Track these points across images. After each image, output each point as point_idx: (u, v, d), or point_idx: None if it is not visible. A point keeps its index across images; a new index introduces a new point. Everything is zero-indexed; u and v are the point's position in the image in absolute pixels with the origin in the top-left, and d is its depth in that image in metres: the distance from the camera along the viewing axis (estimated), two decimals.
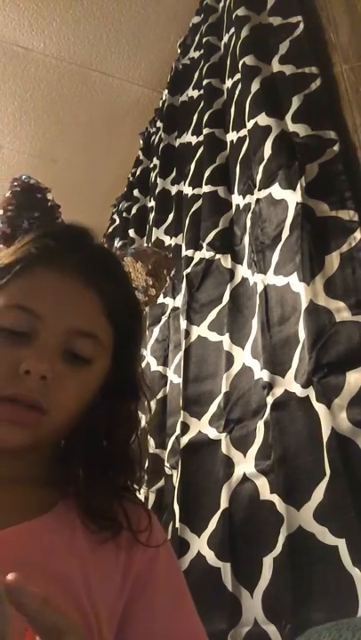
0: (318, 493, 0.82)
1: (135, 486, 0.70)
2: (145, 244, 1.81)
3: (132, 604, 0.62)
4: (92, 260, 0.67)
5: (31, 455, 0.64)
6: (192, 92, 1.82)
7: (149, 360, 1.58)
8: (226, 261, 1.30)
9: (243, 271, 1.24)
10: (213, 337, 1.24)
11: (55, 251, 0.65)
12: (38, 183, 0.75)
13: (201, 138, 1.58)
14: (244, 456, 1.01)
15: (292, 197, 1.07)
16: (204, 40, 1.72)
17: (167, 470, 1.29)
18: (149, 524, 0.67)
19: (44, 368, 0.59)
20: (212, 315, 1.27)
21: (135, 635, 0.61)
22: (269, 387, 0.98)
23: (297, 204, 1.05)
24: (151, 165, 2.13)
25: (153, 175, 2.04)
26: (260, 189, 1.18)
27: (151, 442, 1.39)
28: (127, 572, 0.63)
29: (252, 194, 1.22)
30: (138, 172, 2.27)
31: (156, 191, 1.87)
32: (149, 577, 0.64)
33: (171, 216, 1.73)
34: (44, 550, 0.60)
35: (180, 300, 1.45)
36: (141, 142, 2.30)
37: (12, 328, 0.61)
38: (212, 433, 1.12)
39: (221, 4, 1.71)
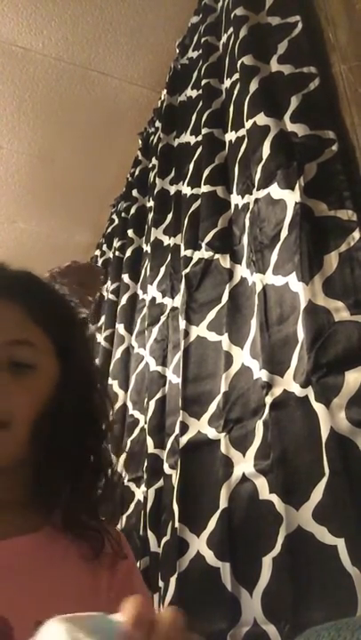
0: (317, 493, 0.82)
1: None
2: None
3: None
4: (10, 282, 0.76)
5: (9, 477, 0.68)
6: (191, 92, 1.82)
7: (148, 360, 1.58)
8: (225, 261, 1.29)
9: (242, 271, 1.24)
10: (212, 337, 1.24)
11: None
12: None
13: (200, 138, 1.58)
14: (244, 456, 1.01)
15: (291, 197, 1.07)
16: (203, 40, 1.71)
17: (166, 470, 1.29)
18: (126, 542, 0.77)
19: None
20: (211, 315, 1.27)
21: None
22: (268, 386, 0.98)
23: (296, 203, 1.05)
24: (150, 165, 2.13)
25: (152, 175, 2.04)
26: (258, 189, 1.18)
27: (150, 442, 1.39)
28: (110, 586, 0.70)
29: (251, 194, 1.22)
30: (137, 172, 2.27)
31: (155, 191, 1.86)
32: (130, 583, 0.73)
33: (169, 216, 1.73)
34: (40, 562, 0.65)
35: (178, 300, 1.45)
36: (140, 142, 2.30)
37: None
38: (212, 433, 1.12)
39: (220, 4, 1.71)
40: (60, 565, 0.67)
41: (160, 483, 1.30)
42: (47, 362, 0.71)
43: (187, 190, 1.59)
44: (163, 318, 1.57)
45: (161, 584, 1.10)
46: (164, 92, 2.06)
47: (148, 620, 0.40)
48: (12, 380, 0.67)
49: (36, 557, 0.66)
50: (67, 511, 0.70)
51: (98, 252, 2.81)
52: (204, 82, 1.62)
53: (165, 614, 0.42)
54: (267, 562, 0.87)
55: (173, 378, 1.38)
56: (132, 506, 1.45)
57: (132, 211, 2.18)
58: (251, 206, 1.20)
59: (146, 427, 1.44)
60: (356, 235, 0.96)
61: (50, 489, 0.71)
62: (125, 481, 1.52)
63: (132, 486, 1.48)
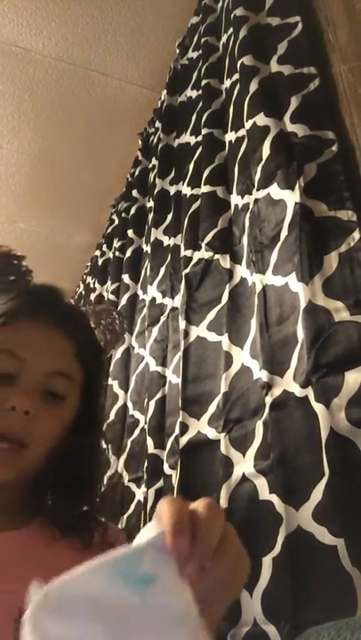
0: (317, 493, 0.82)
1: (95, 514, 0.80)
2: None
3: None
4: (64, 314, 0.80)
5: (8, 487, 0.71)
6: (191, 93, 1.82)
7: (148, 360, 1.58)
8: (225, 261, 1.30)
9: (241, 271, 1.24)
10: (212, 337, 1.24)
11: (35, 306, 0.78)
12: (14, 252, 0.90)
13: (200, 138, 1.58)
14: (243, 456, 1.02)
15: (291, 197, 1.07)
16: (203, 40, 1.71)
17: (166, 470, 1.29)
18: (117, 532, 0.80)
19: (28, 403, 0.69)
20: (211, 315, 1.27)
21: None
22: (268, 387, 0.98)
23: (295, 204, 1.05)
24: (150, 166, 2.13)
25: (152, 175, 2.04)
26: (258, 189, 1.18)
27: (150, 442, 1.39)
28: None
29: (251, 194, 1.22)
30: (137, 173, 2.27)
31: (155, 191, 1.87)
32: None
33: (169, 216, 1.73)
34: (29, 553, 0.68)
35: (178, 301, 1.45)
36: (140, 142, 2.30)
37: None
38: (212, 433, 1.12)
39: (220, 4, 1.71)
40: (49, 555, 0.69)
41: (160, 483, 1.30)
42: (75, 395, 0.76)
43: (187, 190, 1.60)
44: (163, 318, 1.57)
45: None
46: (164, 92, 2.06)
47: (188, 516, 0.41)
48: (44, 411, 0.71)
49: (24, 549, 0.68)
50: (54, 513, 0.74)
51: (98, 253, 2.81)
52: (204, 82, 1.62)
53: (203, 508, 0.42)
54: (267, 562, 0.87)
55: (173, 378, 1.38)
56: (132, 506, 1.45)
57: (132, 211, 2.18)
58: (251, 206, 1.20)
59: (146, 427, 1.44)
60: (356, 235, 0.96)
61: (42, 498, 0.76)
62: (125, 481, 1.52)
63: (133, 486, 1.48)
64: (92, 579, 0.36)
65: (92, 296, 2.62)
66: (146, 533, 0.40)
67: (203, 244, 1.36)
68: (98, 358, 0.84)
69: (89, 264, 3.05)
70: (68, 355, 0.76)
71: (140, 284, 1.95)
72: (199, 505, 0.43)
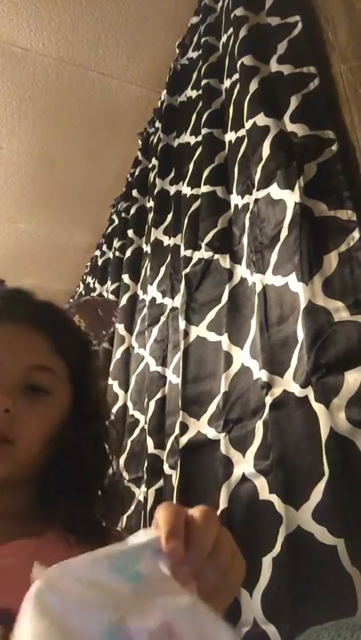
0: (317, 493, 0.82)
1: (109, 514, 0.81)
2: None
3: None
4: (35, 311, 0.80)
5: (11, 491, 0.71)
6: (191, 93, 1.82)
7: (148, 360, 1.58)
8: (225, 261, 1.30)
9: (241, 271, 1.24)
10: (212, 337, 1.24)
11: (4, 308, 0.79)
12: None
13: (200, 138, 1.58)
14: (243, 456, 1.01)
15: (291, 197, 1.07)
16: (203, 40, 1.72)
17: (166, 470, 1.29)
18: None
19: (8, 402, 0.69)
20: (211, 315, 1.27)
21: None
22: (268, 387, 0.98)
23: (295, 203, 1.05)
24: (150, 165, 2.13)
25: (152, 175, 2.04)
26: (258, 189, 1.18)
27: (150, 442, 1.39)
28: None
29: (251, 194, 1.22)
30: (137, 173, 2.27)
31: (155, 191, 1.87)
32: None
33: (169, 216, 1.73)
34: (41, 562, 0.66)
35: (178, 300, 1.45)
36: (140, 142, 2.30)
37: None
38: (211, 433, 1.12)
39: (220, 5, 1.71)
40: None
41: (160, 483, 1.30)
42: (62, 389, 0.76)
43: (187, 190, 1.59)
44: (163, 318, 1.57)
45: None
46: (164, 92, 2.06)
47: (184, 522, 0.43)
48: (28, 406, 0.71)
49: (37, 558, 0.67)
50: (67, 519, 0.73)
51: (98, 253, 2.81)
52: (203, 82, 1.62)
53: (198, 514, 0.45)
54: (267, 562, 0.87)
55: (173, 378, 1.38)
56: (132, 506, 1.45)
57: (132, 211, 2.18)
58: (251, 206, 1.20)
59: (146, 427, 1.44)
60: (355, 235, 0.96)
61: (51, 503, 0.74)
62: (125, 481, 1.52)
63: (133, 486, 1.48)
64: (89, 568, 0.39)
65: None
66: (140, 537, 0.42)
67: (203, 244, 1.36)
68: (82, 350, 0.83)
69: (89, 264, 3.05)
70: (45, 349, 0.76)
71: (140, 284, 1.95)
72: (195, 511, 0.45)
